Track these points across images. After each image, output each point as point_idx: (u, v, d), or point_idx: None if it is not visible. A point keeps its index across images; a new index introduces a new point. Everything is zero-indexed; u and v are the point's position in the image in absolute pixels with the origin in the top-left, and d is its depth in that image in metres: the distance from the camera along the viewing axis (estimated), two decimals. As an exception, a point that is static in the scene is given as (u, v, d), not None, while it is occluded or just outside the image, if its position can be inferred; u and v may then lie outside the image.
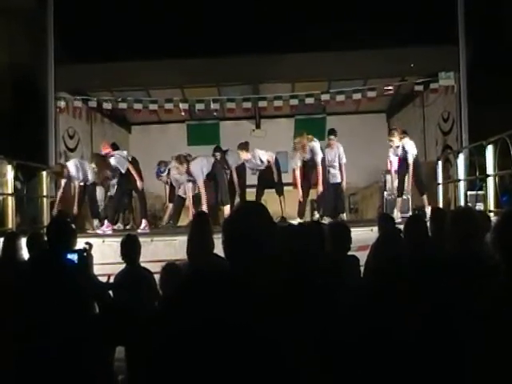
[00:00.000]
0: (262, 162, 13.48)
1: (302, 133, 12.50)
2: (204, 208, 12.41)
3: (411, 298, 3.97)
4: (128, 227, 13.92)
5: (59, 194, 12.69)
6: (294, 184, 12.94)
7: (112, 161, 12.66)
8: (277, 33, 15.03)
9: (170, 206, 14.18)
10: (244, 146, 13.41)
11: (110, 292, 6.10)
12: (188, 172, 12.68)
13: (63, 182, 12.75)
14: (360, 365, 3.69)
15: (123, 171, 12.64)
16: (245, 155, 13.36)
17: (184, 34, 14.78)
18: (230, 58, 14.12)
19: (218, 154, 13.95)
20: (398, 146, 12.44)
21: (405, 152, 12.37)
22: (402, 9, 14.68)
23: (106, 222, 12.54)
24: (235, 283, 2.71)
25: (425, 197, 12.40)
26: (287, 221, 12.57)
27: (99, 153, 13.28)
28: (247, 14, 15.08)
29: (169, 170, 13.46)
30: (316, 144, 12.45)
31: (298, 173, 12.47)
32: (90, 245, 6.76)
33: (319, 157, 12.43)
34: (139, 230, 12.31)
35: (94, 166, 12.56)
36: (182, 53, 14.26)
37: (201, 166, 12.73)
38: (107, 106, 14.85)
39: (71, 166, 12.69)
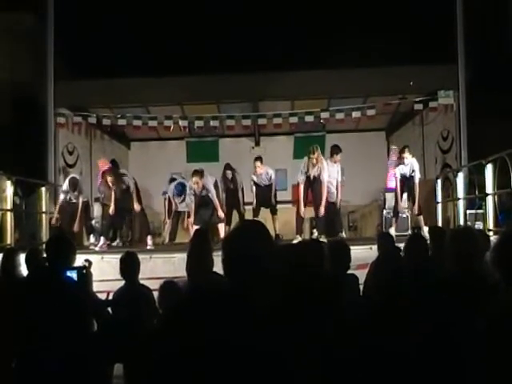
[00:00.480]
0: (269, 178, 13.54)
1: (317, 147, 12.45)
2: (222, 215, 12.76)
3: (412, 315, 3.96)
4: (129, 242, 13.98)
5: (57, 209, 12.71)
6: (295, 199, 12.79)
7: (126, 178, 12.76)
8: (276, 50, 15.09)
9: (169, 222, 14.25)
10: (261, 159, 13.47)
11: (109, 309, 6.08)
12: (203, 187, 12.80)
13: (61, 197, 12.80)
14: (361, 381, 3.68)
15: (132, 189, 12.72)
16: (261, 168, 13.40)
17: (183, 51, 14.83)
18: (229, 76, 14.15)
19: (230, 172, 13.97)
20: (407, 164, 12.49)
21: (412, 170, 12.43)
22: (401, 27, 14.75)
23: (102, 238, 12.53)
24: (234, 300, 2.70)
25: (421, 217, 12.41)
26: (282, 239, 12.59)
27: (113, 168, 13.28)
28: (246, 31, 15.14)
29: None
30: (324, 161, 12.48)
31: (302, 187, 12.41)
32: (90, 262, 6.75)
33: (326, 175, 12.46)
34: (148, 247, 12.37)
35: (111, 180, 12.57)
36: (181, 70, 14.30)
37: (210, 181, 12.88)
38: (107, 122, 14.87)
39: (66, 182, 12.87)
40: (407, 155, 12.55)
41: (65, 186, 12.97)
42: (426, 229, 11.51)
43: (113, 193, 12.61)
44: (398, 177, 12.70)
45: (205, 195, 12.79)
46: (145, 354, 3.95)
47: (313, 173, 12.40)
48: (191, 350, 2.62)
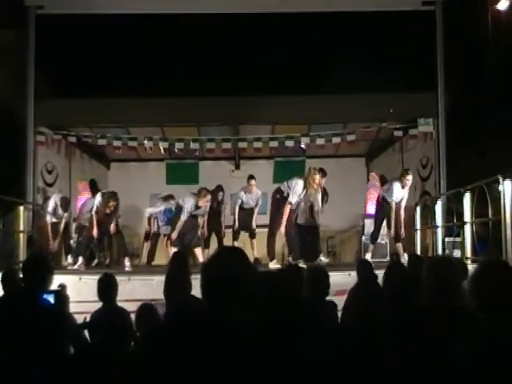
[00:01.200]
0: (257, 199, 13.60)
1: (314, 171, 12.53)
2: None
3: (390, 341, 3.97)
4: (107, 264, 13.89)
5: (35, 229, 12.68)
6: (284, 221, 12.66)
7: None
8: (257, 75, 15.17)
9: (147, 243, 14.24)
10: (254, 178, 13.54)
11: (86, 332, 6.04)
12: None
13: (48, 217, 12.82)
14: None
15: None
16: (254, 187, 13.43)
17: (165, 72, 14.86)
18: (210, 99, 14.17)
19: (222, 194, 14.01)
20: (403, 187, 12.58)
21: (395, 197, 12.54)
22: (382, 56, 14.89)
23: (80, 258, 12.47)
24: (213, 323, 2.70)
25: (400, 244, 12.46)
26: (261, 263, 12.56)
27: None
28: (229, 55, 15.22)
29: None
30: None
31: (288, 208, 12.40)
32: (64, 286, 6.70)
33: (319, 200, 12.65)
34: (126, 269, 12.27)
35: (112, 203, 12.55)
36: (162, 91, 14.32)
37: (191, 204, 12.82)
38: (86, 141, 14.84)
39: (52, 201, 12.85)
40: (409, 177, 12.61)
41: (52, 205, 12.98)
42: (405, 255, 11.57)
43: (95, 214, 12.62)
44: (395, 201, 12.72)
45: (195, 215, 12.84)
46: (123, 378, 3.92)
47: (310, 198, 12.49)
48: (170, 374, 2.61)
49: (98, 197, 12.76)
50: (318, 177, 12.40)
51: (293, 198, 12.33)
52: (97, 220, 12.62)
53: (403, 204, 12.59)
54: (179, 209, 13.12)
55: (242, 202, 13.81)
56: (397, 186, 12.50)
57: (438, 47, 13.67)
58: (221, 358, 2.59)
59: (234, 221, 13.95)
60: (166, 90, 14.43)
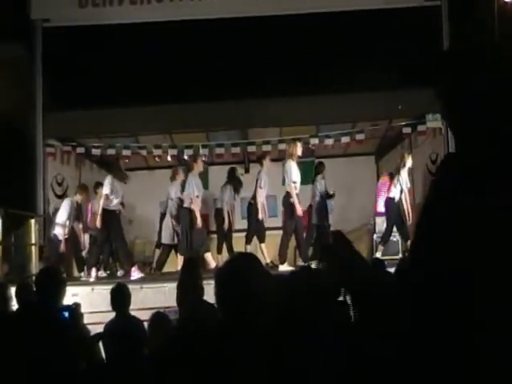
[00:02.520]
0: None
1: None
2: None
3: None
4: (119, 274, 13.83)
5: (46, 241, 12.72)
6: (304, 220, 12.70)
7: None
8: (263, 78, 15.13)
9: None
10: None
11: (100, 342, 6.03)
12: None
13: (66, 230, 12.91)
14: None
15: None
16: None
17: (171, 80, 14.85)
18: (217, 103, 14.16)
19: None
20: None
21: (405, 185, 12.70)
22: (388, 52, 14.83)
23: (93, 269, 12.46)
24: (227, 330, 2.69)
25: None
26: (273, 266, 12.52)
27: None
28: (235, 59, 15.19)
29: None
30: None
31: (300, 210, 12.47)
32: (78, 304, 6.72)
33: None
34: (132, 278, 12.17)
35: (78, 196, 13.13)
36: (169, 99, 14.31)
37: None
38: (96, 152, 14.84)
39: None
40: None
41: (66, 215, 13.01)
42: None
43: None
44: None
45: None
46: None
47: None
48: (185, 381, 2.60)
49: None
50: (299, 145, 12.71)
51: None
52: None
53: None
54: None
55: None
56: (404, 172, 12.67)
57: (444, 42, 13.60)
58: (235, 364, 2.58)
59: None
60: (173, 96, 14.43)
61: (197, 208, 12.86)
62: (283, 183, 12.89)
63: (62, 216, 12.97)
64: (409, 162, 13.09)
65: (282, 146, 14.48)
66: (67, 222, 12.96)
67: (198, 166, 13.18)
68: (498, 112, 2.09)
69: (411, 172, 13.54)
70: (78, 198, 13.35)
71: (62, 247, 12.94)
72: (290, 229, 12.49)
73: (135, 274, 12.37)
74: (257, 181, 13.20)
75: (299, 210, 12.25)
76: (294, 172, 12.35)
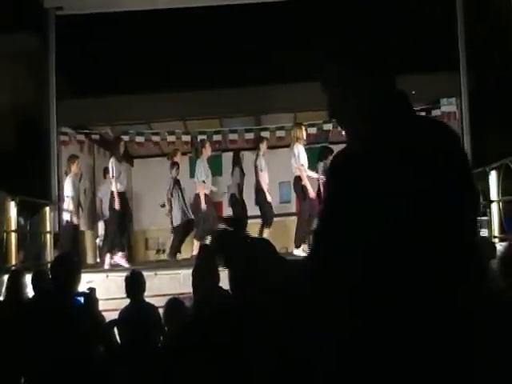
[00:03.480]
0: None
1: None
2: None
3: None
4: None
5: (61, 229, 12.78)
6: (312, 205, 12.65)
7: None
8: (278, 63, 15.10)
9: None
10: None
11: (115, 329, 6.06)
12: None
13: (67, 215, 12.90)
14: None
15: None
16: None
17: (185, 66, 14.85)
18: (231, 90, 14.15)
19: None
20: None
21: None
22: (402, 36, 14.75)
23: (107, 255, 12.53)
24: (241, 315, 2.70)
25: None
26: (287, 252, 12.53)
27: None
28: (249, 45, 15.17)
29: None
30: None
31: (312, 192, 12.42)
32: (93, 289, 6.73)
33: None
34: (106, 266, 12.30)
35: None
36: (183, 85, 14.32)
37: None
38: (109, 139, 14.87)
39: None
40: None
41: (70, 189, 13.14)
42: None
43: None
44: None
45: None
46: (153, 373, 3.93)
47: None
48: (200, 366, 2.62)
49: None
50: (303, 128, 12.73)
51: (301, 160, 12.40)
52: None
53: None
54: None
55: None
56: None
57: (459, 25, 13.46)
58: (247, 349, 2.58)
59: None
60: (186, 83, 14.43)
61: (202, 192, 13.08)
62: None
63: (67, 191, 13.05)
64: None
65: (297, 132, 14.49)
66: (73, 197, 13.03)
67: (207, 151, 13.27)
68: None
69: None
70: (73, 169, 13.32)
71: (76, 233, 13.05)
72: (305, 212, 12.46)
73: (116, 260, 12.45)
74: (256, 167, 13.19)
75: (311, 192, 12.23)
76: (302, 155, 12.36)
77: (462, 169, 2.26)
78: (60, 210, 13.37)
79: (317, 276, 2.18)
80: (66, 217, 12.99)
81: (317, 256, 2.22)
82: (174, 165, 14.07)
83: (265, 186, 13.12)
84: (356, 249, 2.05)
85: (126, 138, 14.59)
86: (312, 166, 12.97)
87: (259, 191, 13.16)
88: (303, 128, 12.79)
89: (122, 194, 12.67)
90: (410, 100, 2.43)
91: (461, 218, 2.11)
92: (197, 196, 13.13)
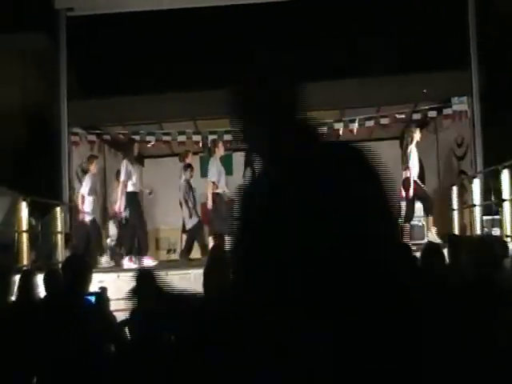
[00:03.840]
0: None
1: None
2: None
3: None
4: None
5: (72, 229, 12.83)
6: None
7: None
8: (285, 62, 15.09)
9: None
10: None
11: (126, 328, 6.07)
12: None
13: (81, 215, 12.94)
14: None
15: None
16: None
17: (195, 65, 14.86)
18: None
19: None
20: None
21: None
22: (413, 35, 14.72)
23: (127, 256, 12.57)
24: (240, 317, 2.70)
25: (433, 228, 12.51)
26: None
27: None
28: (258, 42, 15.16)
29: None
30: None
31: None
32: (105, 288, 6.74)
33: None
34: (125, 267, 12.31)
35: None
36: (193, 85, 14.32)
37: None
38: (120, 139, 14.90)
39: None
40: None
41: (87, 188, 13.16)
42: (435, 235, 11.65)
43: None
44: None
45: None
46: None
47: None
48: (209, 362, 2.62)
49: None
50: None
51: None
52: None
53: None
54: None
55: None
56: (412, 147, 12.65)
57: (470, 24, 13.44)
58: (246, 349, 2.58)
59: None
60: (196, 82, 14.43)
61: (210, 191, 13.26)
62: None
63: (85, 189, 13.10)
64: (417, 136, 13.00)
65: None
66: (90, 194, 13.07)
67: (220, 150, 13.27)
68: None
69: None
70: (92, 168, 13.36)
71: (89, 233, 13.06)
72: None
73: (145, 261, 12.40)
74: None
75: None
76: None
77: (369, 197, 2.24)
78: (71, 210, 13.41)
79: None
80: (82, 216, 13.03)
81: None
82: (188, 167, 14.00)
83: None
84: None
85: (136, 137, 14.62)
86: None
87: None
88: None
89: (135, 195, 12.69)
90: (314, 128, 2.44)
91: (363, 249, 2.10)
92: (211, 195, 13.13)
